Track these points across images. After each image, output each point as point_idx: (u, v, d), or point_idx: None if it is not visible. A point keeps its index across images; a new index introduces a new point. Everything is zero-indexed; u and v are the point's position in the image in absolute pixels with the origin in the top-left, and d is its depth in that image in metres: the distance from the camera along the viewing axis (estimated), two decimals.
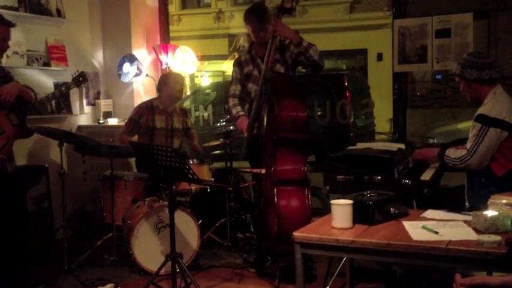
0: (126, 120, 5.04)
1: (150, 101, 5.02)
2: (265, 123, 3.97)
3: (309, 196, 3.72)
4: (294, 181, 3.72)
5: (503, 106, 3.17)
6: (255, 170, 4.04)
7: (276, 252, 3.90)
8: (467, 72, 3.21)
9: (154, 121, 4.88)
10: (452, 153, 3.27)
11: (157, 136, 4.87)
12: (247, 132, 4.05)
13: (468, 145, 3.18)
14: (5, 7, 4.87)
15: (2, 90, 3.68)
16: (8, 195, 3.73)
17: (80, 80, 4.23)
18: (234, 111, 4.20)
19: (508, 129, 3.13)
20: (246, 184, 5.02)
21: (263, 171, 3.87)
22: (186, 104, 9.49)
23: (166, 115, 4.94)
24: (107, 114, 5.86)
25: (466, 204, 3.26)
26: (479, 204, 2.75)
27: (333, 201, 2.68)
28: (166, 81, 4.94)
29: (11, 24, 3.81)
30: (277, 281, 3.88)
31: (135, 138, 4.99)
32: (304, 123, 3.77)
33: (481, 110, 3.20)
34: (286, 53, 4.08)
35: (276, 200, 3.63)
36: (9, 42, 3.86)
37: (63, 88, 4.26)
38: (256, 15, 4.06)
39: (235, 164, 4.91)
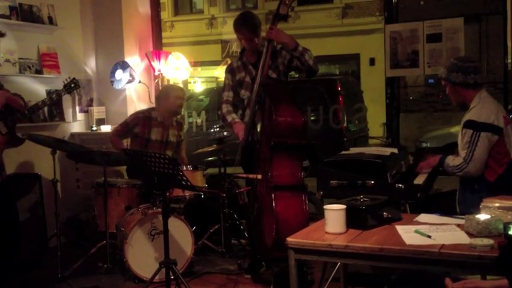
0: (121, 122, 4.95)
1: (149, 111, 4.92)
2: (258, 128, 3.96)
3: (306, 202, 3.71)
4: (291, 186, 3.71)
5: (491, 110, 3.18)
6: (251, 176, 4.02)
7: (272, 258, 3.89)
8: (453, 76, 3.24)
9: (150, 133, 4.80)
10: (451, 161, 3.27)
11: (151, 148, 4.76)
12: (244, 137, 4.03)
13: (463, 153, 3.18)
14: None
15: None
16: None
17: (72, 86, 4.19)
18: (229, 118, 4.18)
19: (498, 133, 3.15)
20: (242, 190, 5.01)
21: (259, 176, 3.86)
22: None
23: (163, 128, 4.86)
24: (100, 122, 5.84)
25: (457, 210, 3.26)
26: (470, 210, 2.75)
27: (326, 207, 2.68)
28: (167, 95, 4.85)
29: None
30: (272, 286, 3.88)
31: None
32: (302, 128, 3.76)
33: (469, 116, 3.21)
34: (278, 59, 4.08)
35: (273, 205, 3.61)
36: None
37: (54, 95, 4.20)
38: (248, 27, 4.05)
39: (229, 170, 4.91)
